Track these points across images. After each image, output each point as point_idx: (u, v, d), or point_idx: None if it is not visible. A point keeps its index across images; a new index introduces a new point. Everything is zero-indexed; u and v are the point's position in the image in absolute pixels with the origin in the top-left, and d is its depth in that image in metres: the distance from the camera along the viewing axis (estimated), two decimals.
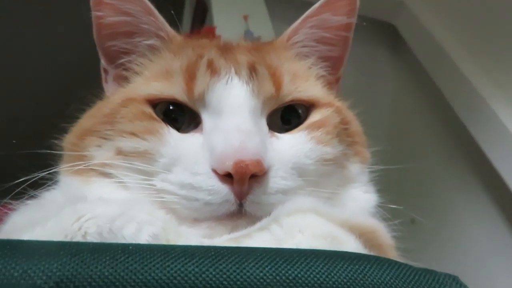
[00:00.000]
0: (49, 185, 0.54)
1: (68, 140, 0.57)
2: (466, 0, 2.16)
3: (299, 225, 0.45)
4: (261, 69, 0.55)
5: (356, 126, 0.63)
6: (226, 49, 0.59)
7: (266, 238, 0.45)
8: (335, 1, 0.61)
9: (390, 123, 2.52)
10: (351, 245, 0.45)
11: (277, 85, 0.54)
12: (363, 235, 0.48)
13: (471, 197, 1.92)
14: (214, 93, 0.52)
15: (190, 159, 0.49)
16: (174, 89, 0.53)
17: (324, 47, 0.64)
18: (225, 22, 1.66)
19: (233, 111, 0.51)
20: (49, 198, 0.53)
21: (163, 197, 0.49)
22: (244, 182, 0.47)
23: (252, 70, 0.54)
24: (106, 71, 0.63)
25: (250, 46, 0.62)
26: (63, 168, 0.54)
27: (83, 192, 0.51)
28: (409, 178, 2.29)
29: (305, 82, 0.58)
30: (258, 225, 0.47)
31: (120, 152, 0.52)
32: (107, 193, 0.51)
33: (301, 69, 0.60)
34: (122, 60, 0.61)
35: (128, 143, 0.52)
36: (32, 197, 0.52)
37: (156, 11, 0.58)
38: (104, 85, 0.64)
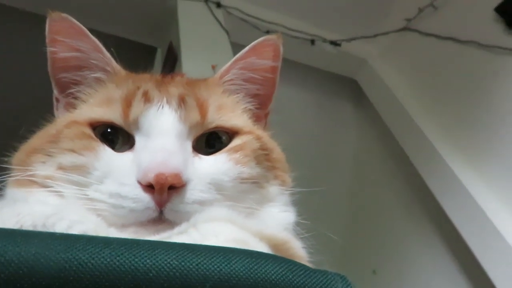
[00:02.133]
0: None
1: (17, 157, 0.64)
2: (423, 58, 2.32)
3: (214, 230, 0.51)
4: (190, 100, 0.63)
5: (277, 154, 0.71)
6: (162, 83, 0.68)
7: (184, 240, 0.51)
8: (260, 47, 0.71)
9: (353, 172, 2.62)
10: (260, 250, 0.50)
11: (203, 114, 0.63)
12: (275, 245, 0.54)
13: (429, 248, 2.01)
14: (146, 118, 0.60)
15: (120, 172, 0.57)
16: (112, 114, 0.61)
17: (251, 86, 0.73)
18: (194, 71, 1.74)
19: (161, 133, 0.59)
20: None
21: (95, 205, 0.55)
22: (163, 191, 0.54)
23: (182, 101, 0.63)
24: (57, 99, 0.71)
25: (185, 81, 0.71)
26: (6, 178, 0.61)
27: (25, 199, 0.57)
28: (370, 229, 2.36)
29: (230, 113, 0.67)
30: (177, 229, 0.53)
31: (60, 167, 0.59)
32: (46, 201, 0.57)
33: (228, 103, 0.69)
34: (71, 90, 0.69)
35: (68, 158, 0.59)
36: None
37: (104, 49, 0.67)
38: (55, 112, 0.71)
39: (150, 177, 0.53)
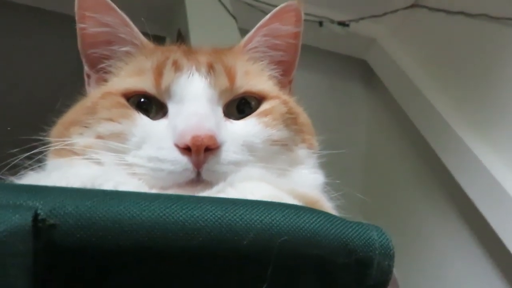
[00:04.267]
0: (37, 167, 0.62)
1: (56, 129, 0.66)
2: (434, 35, 2.30)
3: (250, 188, 0.53)
4: (218, 67, 0.65)
5: (303, 118, 0.73)
6: (189, 52, 0.70)
7: None
8: (282, 13, 0.73)
9: (365, 152, 2.62)
10: None
11: (231, 79, 0.65)
12: (307, 203, 0.56)
13: (447, 224, 2.01)
14: (178, 86, 0.62)
15: (157, 137, 0.59)
16: (145, 84, 0.63)
17: (275, 53, 0.74)
18: None
19: (193, 99, 0.61)
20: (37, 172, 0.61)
21: (134, 170, 0.58)
22: (200, 153, 0.56)
23: (210, 68, 0.65)
24: (88, 75, 0.73)
25: (210, 50, 0.73)
26: (48, 148, 0.63)
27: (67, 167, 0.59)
28: (386, 209, 2.37)
29: (256, 78, 0.69)
30: (216, 188, 0.55)
31: (99, 136, 0.61)
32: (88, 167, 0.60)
33: (254, 69, 0.71)
34: (102, 65, 0.71)
35: (106, 127, 0.61)
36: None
37: (131, 23, 0.69)
38: (87, 88, 0.73)
39: (187, 139, 0.55)
